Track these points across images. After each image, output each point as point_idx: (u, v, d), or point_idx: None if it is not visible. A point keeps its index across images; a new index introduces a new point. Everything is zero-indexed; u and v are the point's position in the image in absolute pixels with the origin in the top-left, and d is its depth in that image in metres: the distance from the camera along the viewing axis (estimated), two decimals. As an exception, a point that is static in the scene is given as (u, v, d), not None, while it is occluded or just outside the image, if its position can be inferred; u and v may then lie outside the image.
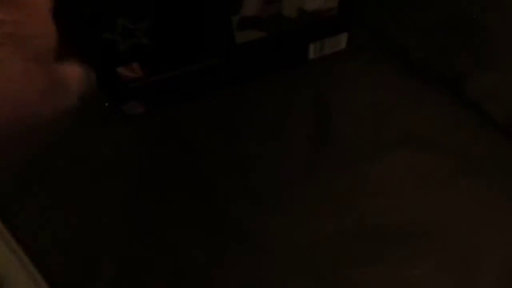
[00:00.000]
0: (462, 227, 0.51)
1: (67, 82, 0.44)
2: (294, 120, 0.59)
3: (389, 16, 0.61)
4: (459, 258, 0.50)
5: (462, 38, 0.57)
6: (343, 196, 0.53)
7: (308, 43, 0.58)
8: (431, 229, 0.51)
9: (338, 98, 0.59)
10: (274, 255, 0.52)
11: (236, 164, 0.57)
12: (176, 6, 0.46)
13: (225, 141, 0.58)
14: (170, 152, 0.58)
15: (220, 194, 0.55)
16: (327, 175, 0.54)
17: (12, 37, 0.41)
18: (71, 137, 0.57)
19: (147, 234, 0.54)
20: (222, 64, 0.55)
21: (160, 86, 0.56)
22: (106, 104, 0.54)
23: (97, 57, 0.49)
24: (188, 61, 0.54)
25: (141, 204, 0.55)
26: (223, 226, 0.53)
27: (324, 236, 0.52)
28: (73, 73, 0.49)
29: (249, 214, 0.54)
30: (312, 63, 0.61)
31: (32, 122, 0.43)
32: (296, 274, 0.51)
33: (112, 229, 0.54)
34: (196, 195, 0.55)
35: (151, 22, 0.46)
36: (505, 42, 0.55)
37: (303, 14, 0.52)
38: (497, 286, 0.49)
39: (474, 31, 0.56)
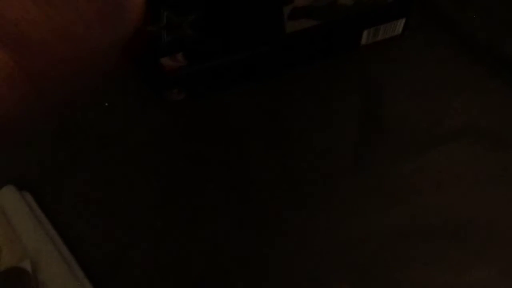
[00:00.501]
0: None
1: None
2: (344, 109, 0.55)
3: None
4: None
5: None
6: (395, 191, 0.50)
7: (362, 30, 0.54)
8: (492, 230, 0.47)
9: (391, 85, 0.56)
10: (319, 253, 0.49)
11: (280, 157, 0.54)
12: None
13: (270, 130, 0.55)
14: (210, 140, 0.56)
15: (261, 188, 0.53)
16: (378, 168, 0.51)
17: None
18: (108, 117, 0.56)
19: (182, 223, 0.52)
20: (269, 54, 0.52)
21: (204, 75, 0.53)
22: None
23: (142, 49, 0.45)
24: (235, 51, 0.51)
25: (175, 193, 0.54)
26: (266, 222, 0.51)
27: (372, 234, 0.49)
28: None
29: (292, 209, 0.51)
30: (365, 49, 0.56)
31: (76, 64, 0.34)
32: (340, 274, 0.48)
33: (146, 217, 0.53)
34: (233, 186, 0.53)
35: (198, 15, 0.43)
36: None
37: (360, 1, 0.48)
38: None
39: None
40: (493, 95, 0.52)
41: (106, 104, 0.55)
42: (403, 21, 0.54)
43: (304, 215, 0.51)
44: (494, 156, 0.49)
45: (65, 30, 0.28)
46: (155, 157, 0.57)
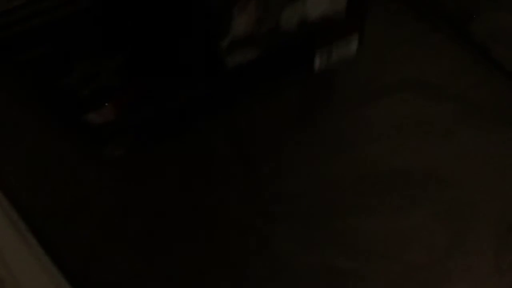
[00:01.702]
0: (459, 177, 0.47)
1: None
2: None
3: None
4: (455, 209, 0.46)
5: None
6: (340, 141, 0.50)
7: (313, 55, 0.49)
8: (428, 178, 0.47)
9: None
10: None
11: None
12: (150, 39, 0.39)
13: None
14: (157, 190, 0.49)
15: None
16: (321, 122, 0.52)
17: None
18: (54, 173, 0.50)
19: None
20: (210, 93, 0.47)
21: (140, 125, 0.47)
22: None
23: (57, 105, 0.42)
24: (169, 95, 0.45)
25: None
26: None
27: (320, 183, 0.49)
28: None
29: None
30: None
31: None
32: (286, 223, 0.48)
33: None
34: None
35: (122, 59, 0.39)
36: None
37: (305, 24, 0.44)
38: (493, 237, 0.47)
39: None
40: (435, 49, 0.54)
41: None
42: (355, 38, 0.50)
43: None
44: (434, 107, 0.50)
45: None
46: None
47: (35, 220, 0.45)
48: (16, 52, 0.36)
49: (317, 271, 0.44)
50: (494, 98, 0.50)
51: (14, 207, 0.45)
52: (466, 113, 0.50)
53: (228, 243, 0.46)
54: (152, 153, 0.50)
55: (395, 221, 0.46)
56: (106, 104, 0.43)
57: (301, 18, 0.44)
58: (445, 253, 0.44)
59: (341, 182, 0.48)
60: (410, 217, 0.46)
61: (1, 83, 0.42)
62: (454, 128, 0.49)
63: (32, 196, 0.47)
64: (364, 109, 0.51)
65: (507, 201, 0.46)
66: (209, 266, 0.44)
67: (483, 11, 0.52)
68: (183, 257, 0.45)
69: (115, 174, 0.49)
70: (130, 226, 0.46)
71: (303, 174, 0.48)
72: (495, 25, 0.52)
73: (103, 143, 0.48)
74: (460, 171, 0.48)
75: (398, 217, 0.46)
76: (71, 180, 0.49)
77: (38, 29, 0.35)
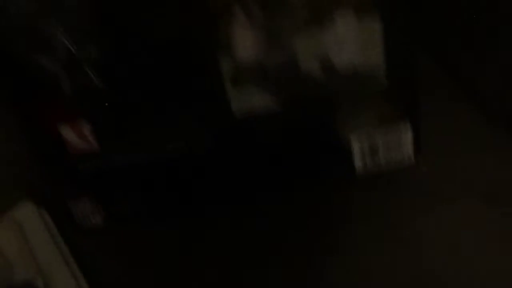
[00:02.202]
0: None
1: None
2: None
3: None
4: None
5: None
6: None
7: (349, 134, 0.38)
8: None
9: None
10: None
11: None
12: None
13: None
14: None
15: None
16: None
17: None
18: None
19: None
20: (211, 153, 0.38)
21: (121, 180, 0.39)
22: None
23: (28, 96, 0.35)
24: (156, 142, 0.37)
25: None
26: None
27: None
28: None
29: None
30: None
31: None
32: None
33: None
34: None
35: (102, 52, 0.33)
36: None
37: (331, 72, 0.35)
38: None
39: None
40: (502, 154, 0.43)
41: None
42: (408, 128, 0.38)
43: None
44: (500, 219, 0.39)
45: None
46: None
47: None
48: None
49: None
50: None
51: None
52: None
53: None
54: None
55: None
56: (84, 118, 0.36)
57: (323, 60, 0.35)
58: None
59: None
60: None
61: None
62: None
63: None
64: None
65: None
66: None
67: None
68: None
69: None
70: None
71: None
72: None
73: (76, 189, 0.40)
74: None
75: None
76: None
77: None
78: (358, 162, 0.39)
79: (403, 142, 0.39)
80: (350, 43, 0.35)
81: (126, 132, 0.37)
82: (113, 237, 0.43)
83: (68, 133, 0.36)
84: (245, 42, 0.34)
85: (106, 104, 0.35)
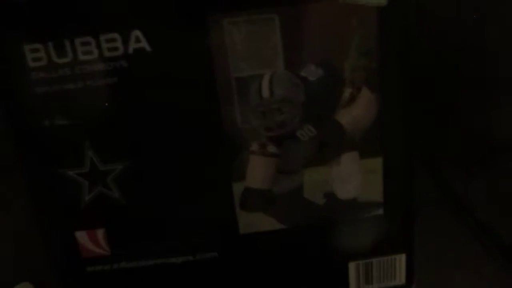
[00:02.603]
0: None
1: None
2: None
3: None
4: None
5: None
6: None
7: (346, 262, 0.40)
8: None
9: None
10: None
11: None
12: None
13: None
14: None
15: None
16: None
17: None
18: None
19: None
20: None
21: (128, 284, 0.40)
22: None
23: (50, 202, 0.37)
24: (169, 248, 0.38)
25: None
26: None
27: None
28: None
29: None
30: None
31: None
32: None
33: None
34: None
35: (126, 169, 0.36)
36: None
37: (335, 202, 0.38)
38: None
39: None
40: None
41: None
42: (403, 258, 0.40)
43: None
44: None
45: None
46: None
47: None
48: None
49: None
50: None
51: None
52: None
53: None
54: None
55: None
56: (103, 229, 0.37)
57: (327, 191, 0.38)
58: None
59: None
60: None
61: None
62: None
63: None
64: None
65: None
66: None
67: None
68: None
69: None
70: None
71: None
72: None
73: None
74: None
75: None
76: None
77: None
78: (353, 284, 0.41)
79: (397, 271, 0.41)
80: (353, 180, 0.37)
81: (138, 238, 0.38)
82: None
83: (82, 238, 0.38)
84: (257, 173, 0.37)
85: (123, 214, 0.37)
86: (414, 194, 0.39)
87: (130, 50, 0.33)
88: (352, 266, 0.40)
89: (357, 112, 0.36)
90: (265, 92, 0.35)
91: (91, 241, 0.39)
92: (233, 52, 0.34)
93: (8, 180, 0.51)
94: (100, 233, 0.38)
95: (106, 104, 0.35)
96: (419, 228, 0.42)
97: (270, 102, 0.36)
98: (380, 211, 0.38)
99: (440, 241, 0.50)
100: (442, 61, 0.56)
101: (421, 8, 0.39)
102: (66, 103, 0.35)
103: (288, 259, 0.40)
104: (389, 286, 0.41)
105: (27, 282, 0.50)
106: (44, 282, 0.51)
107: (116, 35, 0.33)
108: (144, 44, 0.33)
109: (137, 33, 0.33)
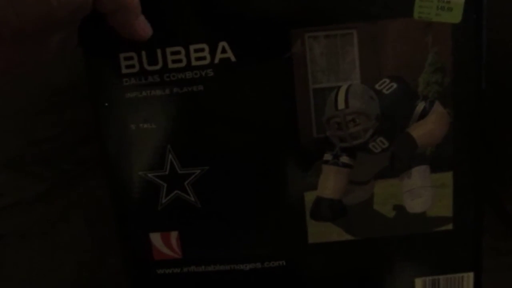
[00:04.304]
0: None
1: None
2: None
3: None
4: None
5: None
6: None
7: (413, 277, 0.40)
8: None
9: None
10: None
11: None
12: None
13: None
14: None
15: None
16: None
17: None
18: None
19: None
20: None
21: None
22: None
23: (129, 203, 0.39)
24: (238, 254, 0.40)
25: None
26: None
27: None
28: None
29: None
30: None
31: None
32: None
33: None
34: None
35: (203, 174, 0.38)
36: None
37: (405, 216, 0.38)
38: None
39: None
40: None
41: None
42: (471, 276, 0.40)
43: None
44: None
45: None
46: None
47: None
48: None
49: None
50: None
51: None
52: None
53: None
54: None
55: None
56: (177, 231, 0.39)
57: (397, 206, 0.39)
58: None
59: None
60: None
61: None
62: None
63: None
64: None
65: None
66: None
67: None
68: None
69: None
70: None
71: None
72: None
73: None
74: None
75: None
76: None
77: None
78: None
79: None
80: (423, 193, 0.38)
81: (209, 244, 0.40)
82: None
83: (156, 240, 0.40)
84: (329, 182, 0.38)
85: (197, 218, 0.39)
86: (483, 212, 0.40)
87: (216, 60, 0.36)
88: (418, 282, 0.41)
89: (429, 126, 0.38)
90: (341, 104, 0.37)
91: (164, 244, 0.40)
92: (312, 64, 0.36)
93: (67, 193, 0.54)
94: (173, 236, 0.40)
95: (190, 110, 0.38)
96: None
97: (345, 114, 0.37)
98: (450, 226, 0.39)
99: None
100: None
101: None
102: (153, 108, 0.38)
103: (354, 271, 0.41)
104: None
105: (87, 292, 0.53)
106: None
107: (204, 46, 0.36)
108: (229, 54, 0.36)
109: (224, 44, 0.36)
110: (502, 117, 0.53)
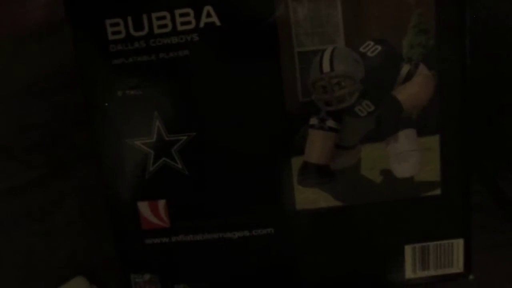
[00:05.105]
0: None
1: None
2: None
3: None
4: None
5: None
6: None
7: (402, 244, 0.40)
8: None
9: None
10: None
11: None
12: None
13: None
14: None
15: None
16: None
17: None
18: None
19: None
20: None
21: (185, 258, 0.40)
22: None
23: (117, 171, 0.39)
24: (226, 223, 0.39)
25: None
26: None
27: None
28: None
29: None
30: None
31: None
32: None
33: None
34: None
35: (190, 140, 0.38)
36: None
37: (392, 181, 0.38)
38: None
39: None
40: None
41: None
42: (460, 243, 0.40)
43: None
44: None
45: None
46: None
47: None
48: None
49: None
50: None
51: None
52: None
53: None
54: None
55: None
56: (164, 199, 0.39)
57: (384, 169, 0.39)
58: None
59: None
60: None
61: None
62: None
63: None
64: None
65: None
66: None
67: None
68: None
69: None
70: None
71: None
72: None
73: (140, 263, 0.41)
74: None
75: None
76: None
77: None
78: (409, 273, 0.40)
79: (455, 257, 0.40)
80: (410, 157, 0.38)
81: (197, 212, 0.40)
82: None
83: (144, 209, 0.40)
84: (316, 147, 0.38)
85: (184, 186, 0.39)
86: (471, 176, 0.40)
87: (202, 25, 0.37)
88: (408, 249, 0.40)
89: (414, 88, 0.38)
90: (326, 67, 0.37)
91: (152, 212, 0.40)
92: (296, 28, 0.37)
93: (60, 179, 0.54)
94: (161, 204, 0.40)
95: (177, 75, 0.38)
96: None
97: (330, 77, 0.38)
98: (437, 191, 0.39)
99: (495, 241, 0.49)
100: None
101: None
102: (139, 74, 0.38)
103: (343, 238, 0.40)
104: (446, 273, 0.41)
105: (81, 276, 0.53)
106: (98, 277, 0.52)
107: (189, 10, 0.36)
108: (214, 19, 0.36)
109: (208, 8, 0.36)
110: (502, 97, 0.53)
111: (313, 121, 0.38)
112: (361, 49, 0.37)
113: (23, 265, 0.53)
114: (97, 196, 0.43)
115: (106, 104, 0.38)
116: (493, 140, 0.53)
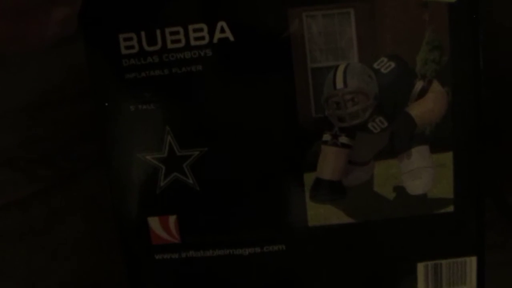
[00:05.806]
0: None
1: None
2: None
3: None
4: None
5: None
6: None
7: (415, 261, 0.39)
8: None
9: None
10: None
11: None
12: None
13: None
14: None
15: None
16: None
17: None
18: None
19: None
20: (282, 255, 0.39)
21: (196, 273, 0.40)
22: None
23: (127, 185, 0.39)
24: (237, 239, 0.39)
25: None
26: None
27: None
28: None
29: None
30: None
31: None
32: None
33: None
34: None
35: (202, 156, 0.37)
36: None
37: (405, 197, 0.38)
38: None
39: None
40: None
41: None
42: (473, 261, 0.39)
43: None
44: None
45: None
46: None
47: None
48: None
49: None
50: None
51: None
52: None
53: None
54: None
55: None
56: (175, 215, 0.38)
57: (396, 186, 0.38)
58: None
59: None
60: None
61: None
62: None
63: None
64: None
65: None
66: None
67: None
68: None
69: None
70: None
71: None
72: None
73: (149, 277, 0.41)
74: None
75: None
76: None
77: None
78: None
79: (467, 275, 0.40)
80: (423, 174, 0.38)
81: (208, 228, 0.39)
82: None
83: (154, 224, 0.39)
84: (328, 163, 0.38)
85: (195, 202, 0.39)
86: (485, 194, 0.40)
87: (215, 40, 0.37)
88: (420, 266, 0.40)
89: (428, 105, 0.38)
90: (339, 83, 0.37)
91: (162, 228, 0.40)
92: (310, 43, 0.37)
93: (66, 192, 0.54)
94: (171, 219, 0.39)
95: (189, 91, 0.38)
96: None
97: (343, 93, 0.37)
98: (451, 208, 0.38)
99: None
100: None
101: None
102: (152, 89, 0.38)
103: (355, 255, 0.40)
104: (459, 289, 0.41)
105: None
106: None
107: (203, 25, 0.36)
108: (228, 34, 0.36)
109: (222, 24, 0.36)
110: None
111: (326, 137, 0.38)
112: (374, 65, 0.37)
113: (26, 280, 0.53)
114: (103, 209, 0.43)
115: (118, 118, 0.38)
116: (500, 155, 0.53)
